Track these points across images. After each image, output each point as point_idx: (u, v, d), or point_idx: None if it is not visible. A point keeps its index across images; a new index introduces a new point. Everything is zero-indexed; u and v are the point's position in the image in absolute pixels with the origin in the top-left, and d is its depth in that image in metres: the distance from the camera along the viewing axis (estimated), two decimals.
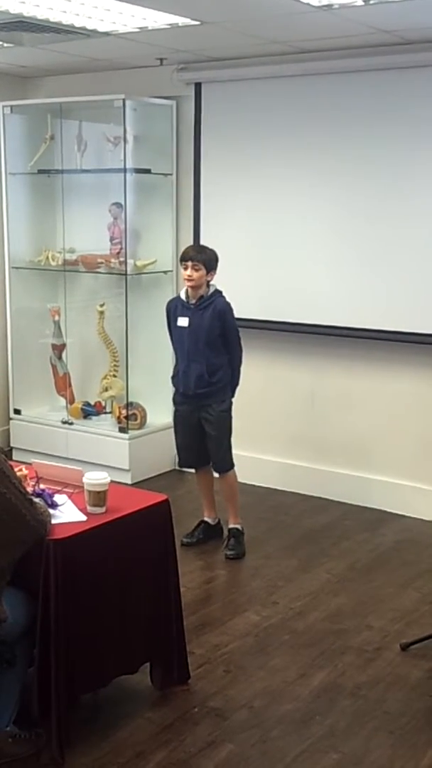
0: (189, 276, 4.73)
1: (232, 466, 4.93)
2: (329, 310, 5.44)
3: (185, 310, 4.81)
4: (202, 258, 4.72)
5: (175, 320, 4.86)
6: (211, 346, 4.77)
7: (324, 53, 5.12)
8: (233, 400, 4.89)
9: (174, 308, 4.89)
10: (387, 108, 5.08)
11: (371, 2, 3.99)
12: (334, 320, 5.43)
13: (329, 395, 5.63)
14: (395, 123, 5.07)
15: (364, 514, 5.42)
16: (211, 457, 4.94)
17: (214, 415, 4.82)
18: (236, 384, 4.91)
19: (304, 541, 5.05)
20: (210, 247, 4.81)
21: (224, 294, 4.80)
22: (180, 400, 4.94)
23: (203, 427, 4.87)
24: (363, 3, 4.00)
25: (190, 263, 4.72)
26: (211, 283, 4.80)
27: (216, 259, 4.77)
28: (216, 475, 5.00)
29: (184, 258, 4.76)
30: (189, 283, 4.76)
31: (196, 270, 4.71)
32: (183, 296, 4.85)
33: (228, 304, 4.79)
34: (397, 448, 5.42)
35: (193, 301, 4.79)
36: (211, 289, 4.80)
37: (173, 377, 4.96)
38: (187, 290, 4.82)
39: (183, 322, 4.82)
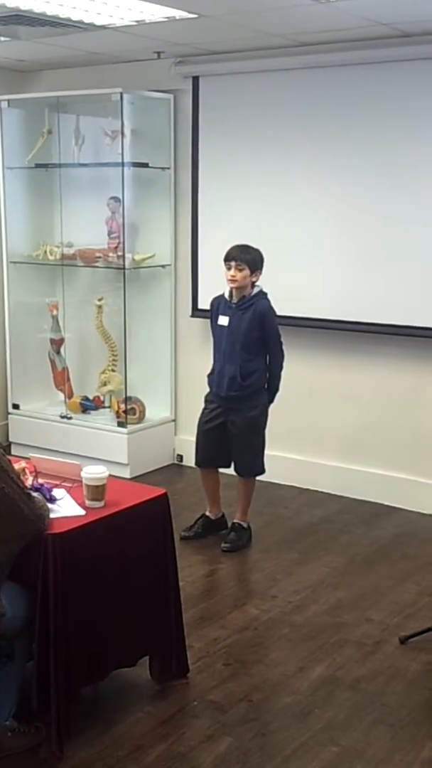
0: (232, 276, 4.61)
1: (259, 473, 4.86)
2: (327, 304, 5.44)
3: (227, 309, 4.72)
4: (246, 258, 4.59)
5: (217, 318, 4.76)
6: (248, 348, 4.67)
7: (322, 46, 5.11)
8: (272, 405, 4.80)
9: (217, 306, 4.79)
10: (385, 100, 5.08)
11: None
12: (332, 314, 5.43)
13: (327, 389, 5.63)
14: (394, 116, 5.06)
15: (362, 508, 5.42)
16: (236, 461, 4.85)
17: (242, 419, 4.72)
18: (275, 390, 4.80)
19: (303, 534, 5.05)
20: (255, 246, 4.66)
21: (269, 296, 4.70)
22: (211, 399, 4.84)
23: (227, 431, 4.77)
24: None
25: (233, 263, 4.60)
26: (257, 283, 4.68)
27: (261, 259, 4.64)
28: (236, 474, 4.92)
29: (228, 258, 4.63)
30: (232, 284, 4.65)
31: (240, 270, 4.59)
32: (227, 295, 4.75)
33: (270, 307, 4.68)
34: (396, 441, 5.42)
35: (235, 301, 4.69)
36: (255, 290, 4.68)
37: (209, 375, 4.86)
38: (231, 290, 4.71)
39: (223, 321, 4.72)
